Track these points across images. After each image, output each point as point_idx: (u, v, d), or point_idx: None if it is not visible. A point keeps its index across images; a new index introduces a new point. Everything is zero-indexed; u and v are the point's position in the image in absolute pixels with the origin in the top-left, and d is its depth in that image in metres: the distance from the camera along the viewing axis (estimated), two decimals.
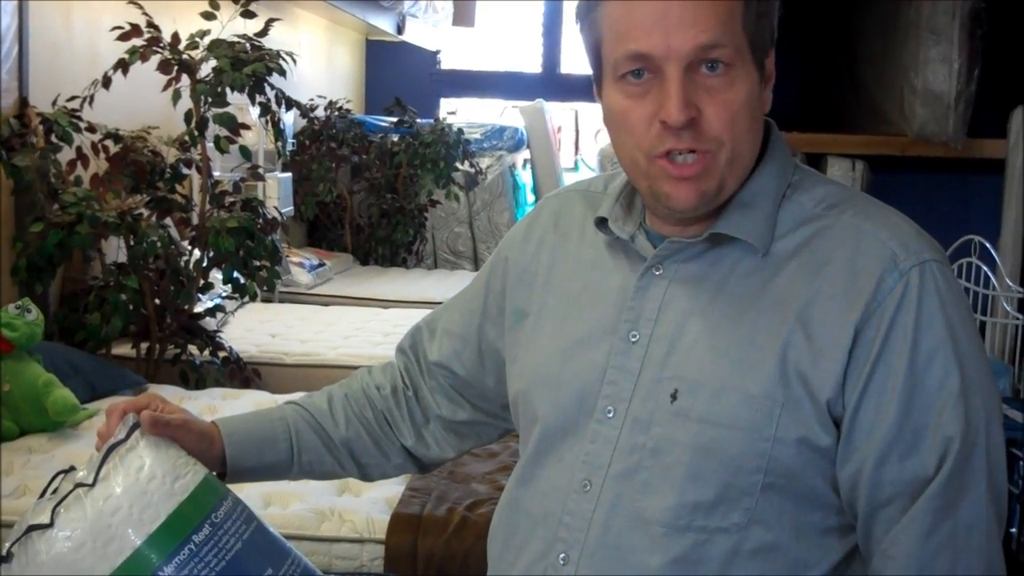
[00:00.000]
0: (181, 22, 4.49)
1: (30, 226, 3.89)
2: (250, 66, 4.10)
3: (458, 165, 7.76)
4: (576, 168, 9.33)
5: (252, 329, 5.19)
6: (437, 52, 9.41)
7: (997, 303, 5.00)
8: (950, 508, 1.19)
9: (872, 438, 1.20)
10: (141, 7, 4.08)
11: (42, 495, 1.32)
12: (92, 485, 1.26)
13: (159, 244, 4.07)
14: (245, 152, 4.39)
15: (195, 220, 4.34)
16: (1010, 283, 5.06)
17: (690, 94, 1.21)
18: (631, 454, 1.26)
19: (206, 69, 4.19)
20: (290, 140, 6.62)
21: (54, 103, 4.13)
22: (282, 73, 4.23)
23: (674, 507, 1.23)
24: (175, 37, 4.13)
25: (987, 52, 5.71)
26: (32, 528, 1.25)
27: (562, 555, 1.28)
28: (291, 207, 6.49)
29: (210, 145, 4.33)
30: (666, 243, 1.29)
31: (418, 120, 7.90)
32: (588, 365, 1.31)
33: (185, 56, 4.13)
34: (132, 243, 4.06)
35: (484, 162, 8.12)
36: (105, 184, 4.10)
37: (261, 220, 4.35)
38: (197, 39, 4.16)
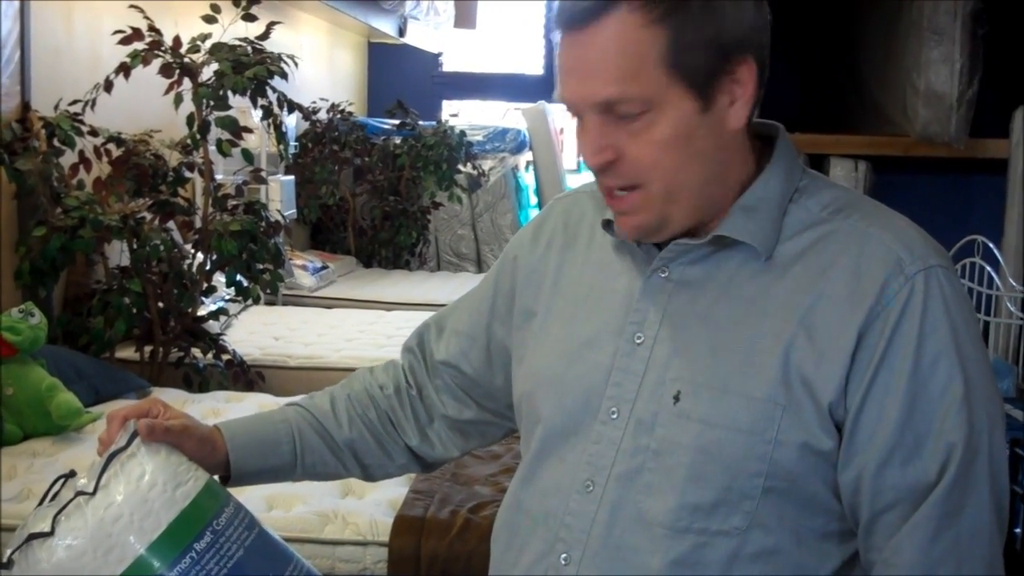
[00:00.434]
0: (183, 25, 4.49)
1: (33, 230, 3.90)
2: (252, 69, 4.10)
3: (461, 167, 7.76)
4: (579, 170, 9.33)
5: (255, 332, 5.19)
6: (439, 54, 9.42)
7: (1000, 303, 5.00)
8: (953, 515, 1.18)
9: (874, 443, 1.19)
10: (142, 11, 4.09)
11: (42, 501, 1.32)
12: (93, 493, 1.26)
13: (162, 248, 4.07)
14: (247, 155, 4.39)
15: (198, 223, 4.34)
16: (1013, 283, 5.06)
17: (608, 137, 1.22)
18: (634, 455, 1.26)
19: (208, 72, 4.19)
20: (292, 143, 6.63)
21: (56, 107, 4.13)
22: (284, 76, 4.24)
23: (675, 508, 1.23)
24: (177, 40, 4.14)
25: (989, 52, 5.71)
26: (33, 536, 1.25)
27: (564, 555, 1.29)
28: (294, 210, 6.50)
29: (212, 148, 4.34)
30: (671, 246, 1.29)
31: (420, 122, 7.91)
32: (593, 366, 1.31)
33: (187, 59, 4.13)
34: (135, 247, 4.06)
35: (487, 164, 8.12)
36: (108, 188, 4.10)
37: (264, 223, 4.35)
38: (199, 42, 4.16)
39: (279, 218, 4.67)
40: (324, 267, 6.85)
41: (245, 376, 4.40)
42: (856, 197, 1.32)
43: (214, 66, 4.16)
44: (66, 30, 4.56)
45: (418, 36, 8.59)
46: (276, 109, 4.35)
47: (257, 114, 4.43)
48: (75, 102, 4.12)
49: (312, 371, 4.60)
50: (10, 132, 3.96)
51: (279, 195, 6.02)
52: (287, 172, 6.43)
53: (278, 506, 2.96)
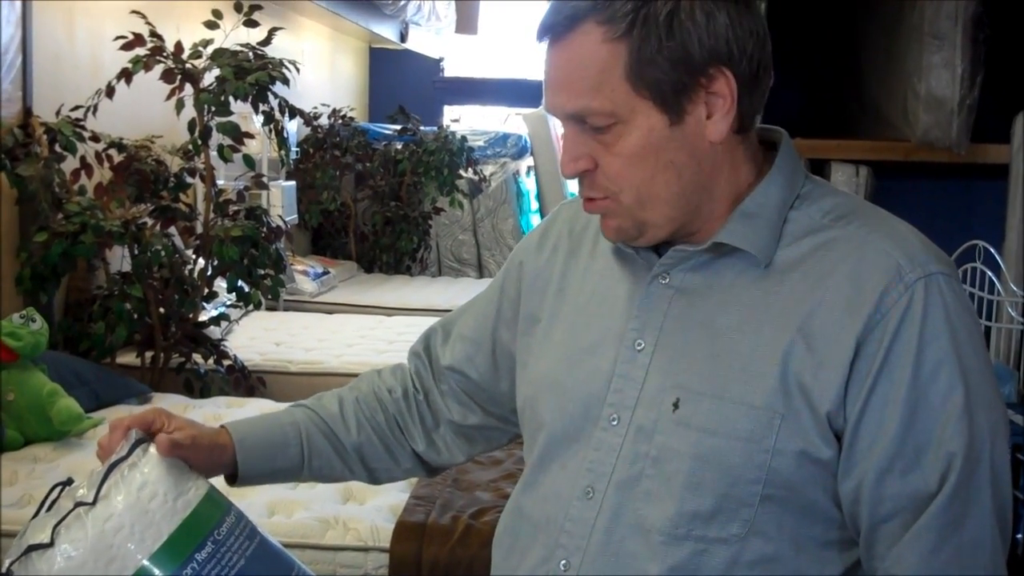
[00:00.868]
0: (184, 31, 4.50)
1: (34, 236, 3.90)
2: (253, 75, 4.10)
3: (462, 172, 7.77)
4: None
5: (256, 337, 5.19)
6: (440, 60, 9.43)
7: (1002, 308, 4.99)
8: (955, 525, 1.18)
9: (873, 452, 1.19)
10: (144, 16, 4.09)
11: (39, 510, 1.31)
12: (93, 503, 1.25)
13: (163, 253, 4.07)
14: (248, 161, 4.39)
15: (199, 229, 4.34)
16: (1015, 288, 5.05)
17: (582, 147, 1.25)
18: (634, 462, 1.26)
19: (209, 78, 4.20)
20: (294, 148, 6.63)
21: (58, 113, 4.13)
22: (285, 82, 4.24)
23: (673, 516, 1.23)
24: (178, 46, 4.14)
25: (990, 57, 5.71)
26: (32, 547, 1.25)
27: (563, 561, 1.29)
28: (295, 215, 6.50)
29: (213, 154, 4.34)
30: (671, 251, 1.29)
31: (421, 128, 7.91)
32: (594, 373, 1.31)
33: (188, 65, 4.13)
34: (136, 252, 4.06)
35: (488, 169, 8.12)
36: (109, 193, 4.10)
37: (265, 229, 4.35)
38: (200, 48, 4.16)
39: (280, 223, 4.67)
40: (325, 272, 6.85)
41: (246, 382, 4.40)
42: (859, 204, 1.31)
43: (216, 72, 4.17)
44: (68, 35, 4.56)
45: (419, 41, 8.60)
46: (277, 115, 4.35)
47: (258, 120, 4.43)
48: (77, 107, 4.12)
49: (313, 376, 4.60)
50: (12, 138, 3.96)
51: (280, 200, 6.02)
52: (288, 177, 6.43)
53: (279, 512, 2.96)
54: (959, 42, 5.70)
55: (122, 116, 4.41)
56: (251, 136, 4.42)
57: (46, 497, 1.32)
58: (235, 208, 4.37)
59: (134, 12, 4.11)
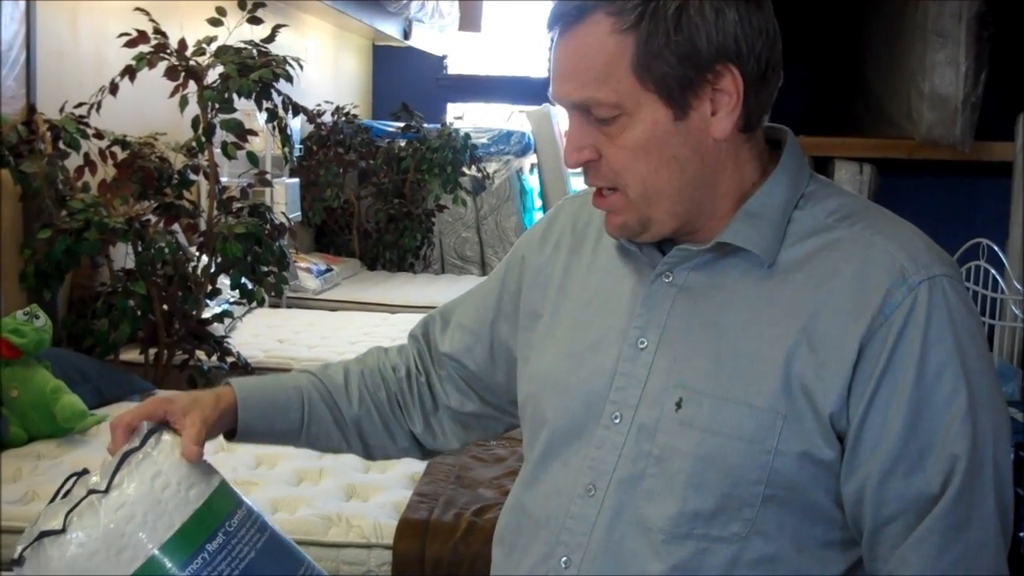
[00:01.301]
0: (188, 28, 4.50)
1: (38, 233, 3.90)
2: (257, 72, 4.10)
3: (465, 170, 7.77)
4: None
5: (260, 334, 5.19)
6: (444, 57, 9.43)
7: (1005, 306, 4.99)
8: (960, 527, 1.18)
9: (877, 454, 1.19)
10: (148, 14, 4.09)
11: (54, 498, 1.32)
12: (106, 492, 1.26)
13: (167, 250, 4.07)
14: (252, 158, 4.39)
15: (203, 226, 4.34)
16: (1018, 286, 5.05)
17: (587, 137, 1.26)
18: (636, 461, 1.26)
19: (213, 75, 4.20)
20: (297, 145, 6.63)
21: (61, 110, 4.14)
22: (289, 79, 4.24)
23: (675, 515, 1.23)
24: (182, 43, 4.14)
25: (994, 55, 5.70)
26: (45, 534, 1.25)
27: (564, 558, 1.29)
28: (299, 212, 6.50)
29: (217, 151, 4.34)
30: (674, 250, 1.29)
31: (425, 125, 7.91)
32: (597, 370, 1.31)
33: (192, 62, 4.13)
34: (140, 249, 4.06)
35: (491, 167, 8.12)
36: (113, 190, 4.10)
37: (268, 226, 4.35)
38: (204, 45, 4.17)
39: (284, 221, 4.67)
40: (328, 270, 6.86)
41: None
42: (863, 204, 1.31)
43: (219, 69, 4.17)
44: (71, 33, 4.56)
45: (423, 39, 8.59)
46: (281, 112, 4.35)
47: (262, 117, 4.43)
48: (80, 105, 4.12)
49: None
50: (15, 135, 3.96)
51: (284, 198, 6.03)
52: (292, 175, 6.43)
53: (282, 508, 2.97)
54: (963, 40, 5.70)
55: (126, 113, 4.41)
56: (255, 133, 4.42)
57: (61, 486, 1.32)
58: (239, 205, 4.38)
59: (138, 9, 4.12)
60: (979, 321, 1.26)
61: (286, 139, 4.56)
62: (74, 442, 3.38)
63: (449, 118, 8.89)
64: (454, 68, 9.57)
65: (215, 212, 4.30)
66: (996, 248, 5.07)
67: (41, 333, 3.46)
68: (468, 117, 9.19)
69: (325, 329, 5.43)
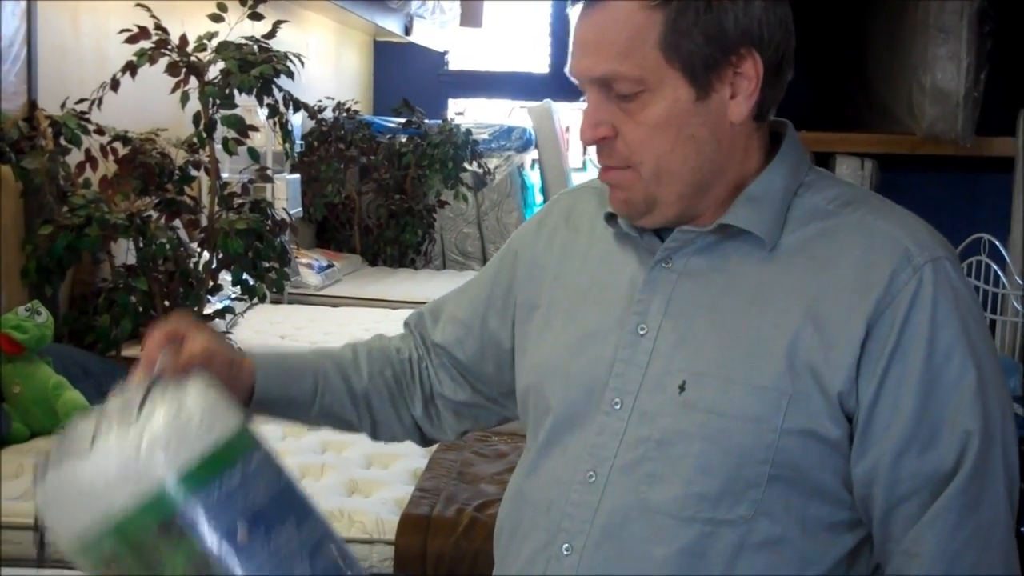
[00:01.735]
0: (189, 24, 4.50)
1: (39, 228, 3.90)
2: (258, 68, 4.10)
3: (466, 166, 7.77)
4: (584, 168, 9.33)
5: (261, 331, 5.19)
6: (445, 53, 9.42)
7: (1007, 301, 4.99)
8: (973, 505, 1.20)
9: (890, 433, 1.20)
10: (149, 9, 4.09)
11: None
12: (131, 421, 1.26)
13: (168, 246, 4.08)
14: (253, 154, 4.39)
15: (204, 222, 4.34)
16: (1019, 281, 5.05)
17: (605, 114, 1.26)
18: (637, 446, 1.27)
19: (214, 71, 4.20)
20: (298, 141, 6.63)
21: (63, 106, 4.14)
22: (290, 75, 4.23)
23: (681, 498, 1.24)
24: (183, 39, 4.14)
25: (995, 51, 5.70)
26: (67, 455, 1.26)
27: (565, 545, 1.29)
28: (300, 208, 6.50)
29: (218, 147, 4.34)
30: (676, 233, 1.30)
31: (426, 121, 7.91)
32: (596, 358, 1.32)
33: (193, 58, 4.13)
34: (141, 245, 4.06)
35: (492, 162, 8.12)
36: (114, 186, 4.11)
37: (270, 222, 4.35)
38: (205, 41, 4.16)
39: (285, 216, 4.67)
40: (330, 265, 6.86)
41: None
42: (863, 192, 1.33)
43: (220, 65, 4.16)
44: (72, 29, 4.56)
45: (424, 35, 8.59)
46: (282, 108, 4.35)
47: (263, 113, 4.43)
48: (81, 101, 4.12)
49: None
50: (17, 131, 3.96)
51: (285, 193, 6.03)
52: (293, 171, 6.43)
53: None
54: (965, 36, 5.70)
55: (127, 109, 4.41)
56: (256, 129, 4.42)
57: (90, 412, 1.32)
58: (240, 201, 4.37)
59: (139, 5, 4.11)
60: (979, 303, 1.28)
61: (287, 135, 4.56)
62: None
63: (450, 114, 8.88)
64: (455, 64, 9.56)
65: (216, 208, 4.30)
66: (997, 243, 5.07)
67: (43, 329, 3.46)
68: (469, 113, 9.18)
69: (327, 325, 5.43)
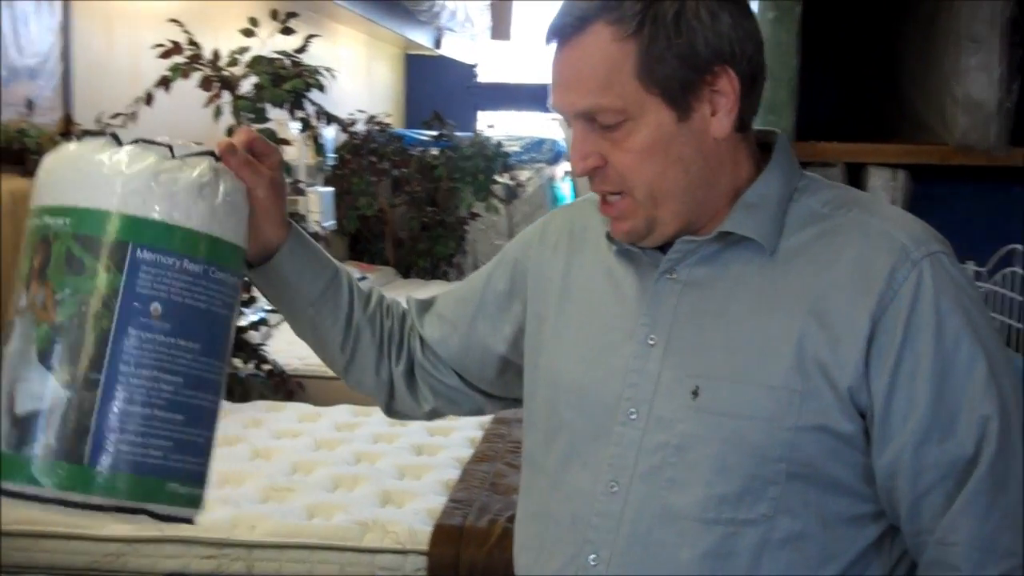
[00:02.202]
0: (222, 39, 4.54)
1: None
2: (290, 82, 4.14)
3: (497, 178, 7.79)
4: None
5: (295, 342, 5.13)
6: (475, 65, 9.46)
7: None
8: (1001, 486, 1.22)
9: (908, 425, 1.22)
10: (182, 25, 4.13)
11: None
12: (174, 156, 1.28)
13: None
14: (285, 167, 4.42)
15: None
16: None
17: (592, 145, 1.28)
18: (655, 453, 1.28)
19: (247, 85, 4.24)
20: (331, 154, 6.66)
21: (98, 120, 4.18)
22: (321, 89, 4.27)
23: (702, 500, 1.25)
24: (216, 54, 4.18)
25: None
26: (112, 134, 1.29)
27: (592, 556, 1.30)
28: (333, 221, 6.54)
29: None
30: (678, 244, 1.32)
31: (457, 133, 7.94)
32: (609, 371, 1.34)
33: (226, 72, 4.17)
34: None
35: (523, 175, 8.15)
36: None
37: None
38: (237, 56, 4.21)
39: (317, 229, 4.70)
40: (363, 278, 6.88)
41: (285, 386, 4.43)
42: (855, 194, 1.37)
43: (253, 79, 4.20)
44: (107, 44, 4.61)
45: (454, 48, 8.63)
46: (314, 121, 4.39)
47: (295, 126, 4.47)
48: (117, 115, 4.15)
49: None
50: (53, 145, 3.99)
51: (318, 206, 6.06)
52: (326, 183, 6.47)
53: (319, 515, 2.99)
54: (997, 45, 5.66)
55: (161, 123, 4.43)
56: (288, 143, 4.45)
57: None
58: None
59: (172, 21, 4.16)
60: (978, 291, 1.31)
61: (319, 148, 4.59)
62: None
63: (481, 126, 8.92)
64: (485, 76, 9.60)
65: None
66: None
67: None
68: (500, 125, 9.21)
69: None
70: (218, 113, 4.17)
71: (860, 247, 1.27)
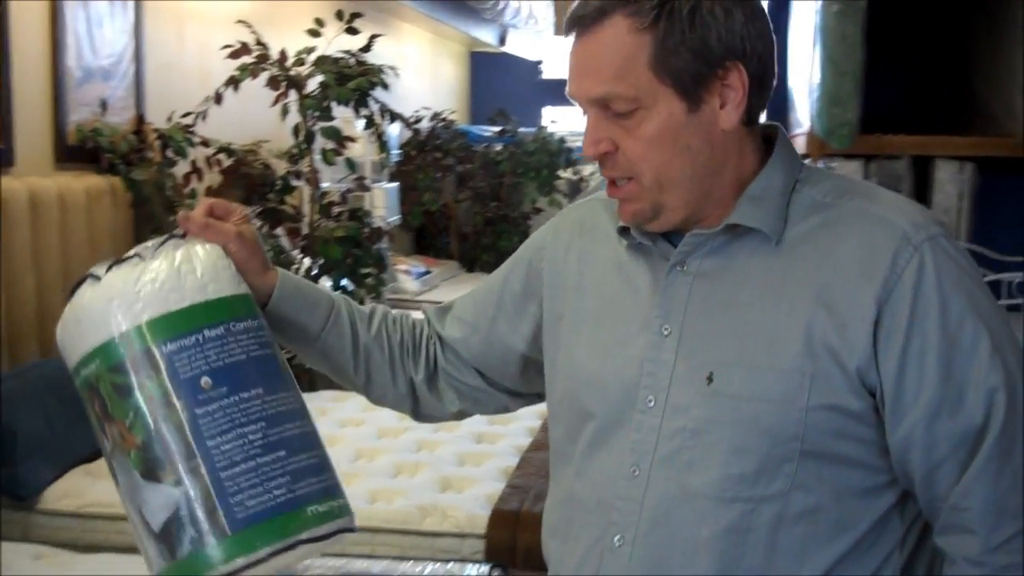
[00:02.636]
0: (288, 39, 4.64)
1: (148, 237, 4.05)
2: (354, 81, 4.23)
3: (560, 173, 7.84)
4: None
5: None
6: (539, 62, 9.52)
7: None
8: (1009, 453, 1.28)
9: (919, 401, 1.28)
10: (250, 26, 4.23)
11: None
12: (145, 259, 1.38)
13: (271, 253, 4.18)
14: (351, 164, 4.52)
15: (304, 230, 4.47)
16: None
17: (604, 131, 1.34)
18: (673, 437, 1.35)
19: (313, 84, 4.33)
20: (395, 151, 6.76)
21: (169, 119, 4.30)
22: (385, 87, 4.35)
23: (719, 480, 1.32)
24: (282, 54, 4.28)
25: None
26: (87, 276, 1.40)
27: (617, 536, 1.37)
28: (397, 216, 6.63)
29: (317, 158, 4.47)
30: (687, 237, 1.38)
31: (520, 129, 8.00)
32: (627, 361, 1.40)
33: (292, 72, 4.27)
34: None
35: (586, 169, 8.19)
36: (219, 196, 4.23)
37: (367, 229, 4.47)
38: (304, 56, 4.30)
39: (381, 224, 4.79)
40: (427, 272, 6.98)
41: None
42: (854, 182, 1.42)
43: (319, 78, 4.29)
44: (178, 45, 4.74)
45: (518, 44, 8.70)
46: (378, 119, 4.47)
47: (360, 124, 4.55)
48: (187, 114, 4.27)
49: None
50: (126, 144, 4.13)
51: (383, 202, 6.16)
52: (391, 180, 6.56)
53: (380, 499, 3.08)
54: None
55: (230, 122, 4.56)
56: (353, 140, 4.54)
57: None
58: (338, 210, 4.50)
59: (240, 22, 4.27)
60: (978, 270, 1.36)
61: (383, 145, 4.67)
62: None
63: (544, 122, 8.97)
64: (549, 72, 9.66)
65: (316, 216, 4.43)
66: None
67: None
68: (563, 121, 9.26)
69: None
70: (285, 112, 4.27)
71: (862, 234, 1.32)
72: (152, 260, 1.38)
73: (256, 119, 4.75)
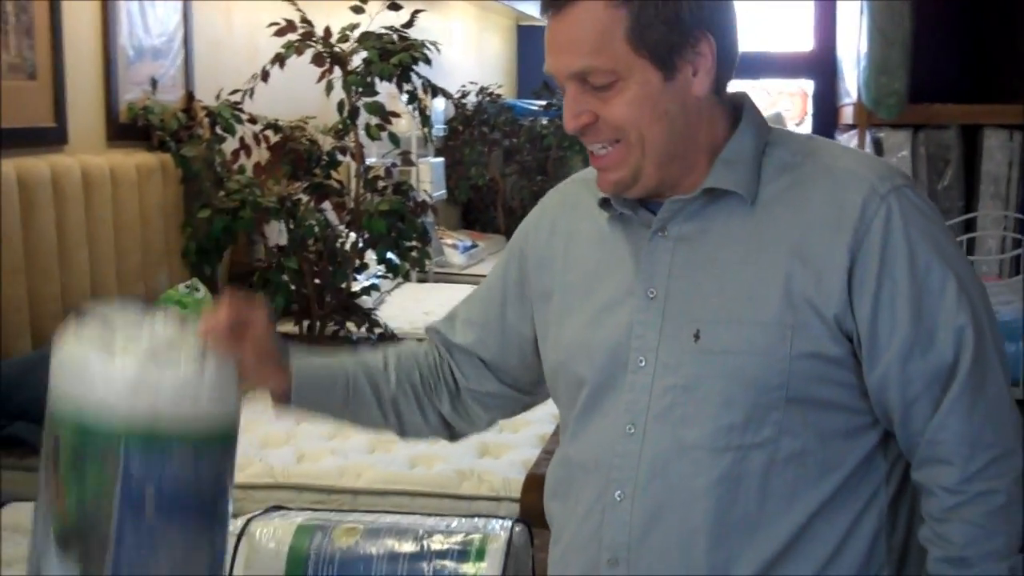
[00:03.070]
0: (332, 16, 4.72)
1: (198, 212, 4.18)
2: (397, 56, 4.29)
3: None
4: None
5: (407, 307, 5.41)
6: None
7: None
8: (980, 386, 1.37)
9: (893, 343, 1.37)
10: (295, 3, 4.31)
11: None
12: (156, 359, 1.45)
13: (317, 227, 4.31)
14: (394, 139, 4.58)
15: (350, 204, 4.55)
16: None
17: (583, 104, 1.41)
18: (665, 394, 1.43)
19: (356, 60, 4.41)
20: (440, 126, 6.81)
21: (218, 96, 4.39)
22: (427, 62, 4.42)
23: (711, 432, 1.40)
24: (327, 31, 4.35)
25: None
26: (93, 339, 1.46)
27: (617, 492, 1.44)
28: (444, 190, 6.71)
29: (362, 133, 4.54)
30: (667, 204, 1.45)
31: None
32: (616, 325, 1.47)
33: (337, 49, 4.34)
34: (292, 227, 4.31)
35: None
36: (266, 172, 4.34)
37: (412, 203, 4.55)
38: (348, 32, 4.37)
39: (426, 198, 4.86)
40: (474, 246, 7.07)
41: None
42: (819, 140, 1.51)
43: (362, 54, 4.37)
44: (226, 24, 4.84)
45: None
46: (420, 94, 4.54)
47: (404, 99, 4.62)
48: (235, 91, 4.36)
49: None
50: (176, 121, 4.24)
51: (429, 176, 6.24)
52: (438, 154, 6.63)
53: (420, 464, 3.18)
54: None
55: (277, 98, 4.65)
56: (397, 115, 4.61)
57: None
58: (383, 184, 4.57)
59: (286, 0, 4.35)
60: (942, 217, 1.45)
61: (425, 120, 4.74)
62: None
63: None
64: None
65: (361, 191, 4.51)
66: None
67: (202, 304, 3.72)
68: None
69: None
70: (330, 88, 4.35)
71: (831, 189, 1.40)
72: (164, 359, 1.44)
73: (302, 96, 4.84)
